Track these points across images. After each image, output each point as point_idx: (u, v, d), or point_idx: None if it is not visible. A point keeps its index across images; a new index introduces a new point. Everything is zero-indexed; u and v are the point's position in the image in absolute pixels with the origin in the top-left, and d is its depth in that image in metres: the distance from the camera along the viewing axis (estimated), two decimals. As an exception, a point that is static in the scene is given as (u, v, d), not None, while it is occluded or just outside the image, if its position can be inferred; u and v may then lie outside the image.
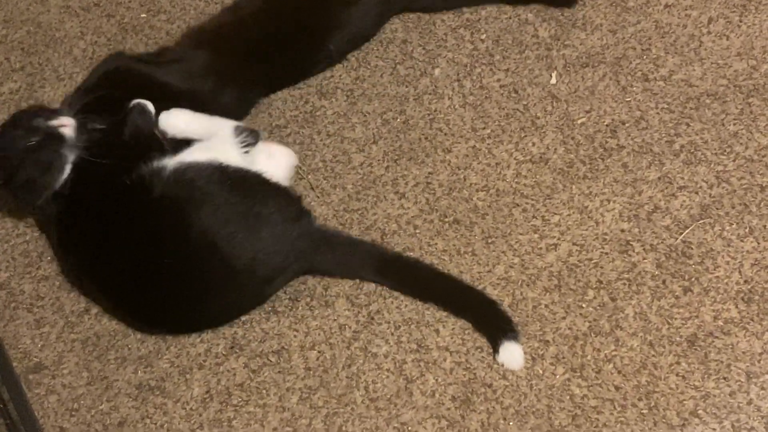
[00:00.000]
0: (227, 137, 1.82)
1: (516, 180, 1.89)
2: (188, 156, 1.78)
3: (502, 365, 1.71)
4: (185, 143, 1.87)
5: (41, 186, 1.76)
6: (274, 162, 1.86)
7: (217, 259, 1.71)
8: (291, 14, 2.01)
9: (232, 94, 1.99)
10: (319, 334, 1.80)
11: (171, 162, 1.76)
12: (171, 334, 1.84)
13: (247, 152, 1.81)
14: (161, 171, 1.74)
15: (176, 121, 1.84)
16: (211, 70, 1.96)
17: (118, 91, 1.86)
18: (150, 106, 1.83)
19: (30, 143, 1.74)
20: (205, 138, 1.84)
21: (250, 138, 1.83)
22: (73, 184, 1.78)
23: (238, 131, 1.83)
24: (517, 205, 1.87)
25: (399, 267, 1.83)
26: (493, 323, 1.73)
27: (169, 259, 1.71)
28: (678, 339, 1.69)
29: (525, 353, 1.71)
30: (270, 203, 1.76)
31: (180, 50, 2.01)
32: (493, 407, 1.68)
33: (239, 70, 1.98)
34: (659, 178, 1.84)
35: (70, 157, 1.76)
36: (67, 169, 1.77)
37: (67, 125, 1.77)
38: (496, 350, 1.71)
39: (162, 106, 1.86)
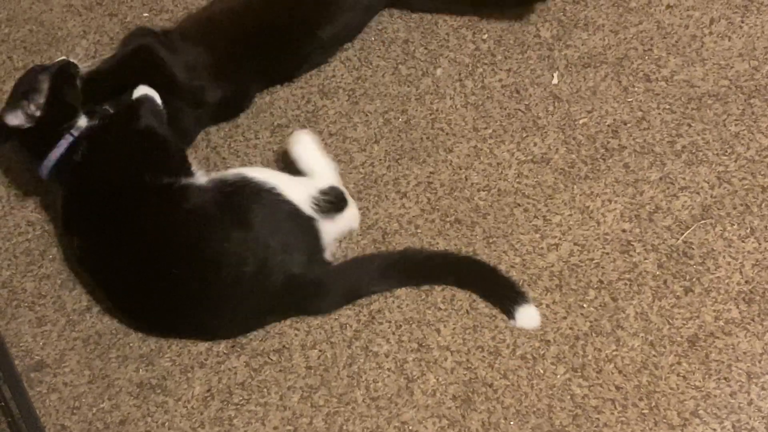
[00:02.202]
0: (310, 188, 1.79)
1: (517, 180, 1.90)
2: (252, 171, 1.78)
3: (521, 328, 1.73)
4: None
5: (66, 112, 1.82)
6: (337, 225, 1.82)
7: (216, 284, 1.71)
8: (282, 7, 2.01)
9: (228, 89, 2.00)
10: (320, 333, 1.80)
11: (228, 171, 1.78)
12: (152, 334, 1.85)
13: (319, 214, 1.77)
14: (201, 181, 1.76)
15: (298, 144, 1.85)
16: (208, 66, 1.96)
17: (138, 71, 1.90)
18: (157, 98, 1.85)
19: (48, 73, 1.84)
20: (306, 172, 1.83)
21: (333, 203, 1.79)
22: (85, 160, 1.79)
23: (326, 191, 1.79)
24: (519, 205, 1.87)
25: (395, 267, 1.82)
26: (500, 290, 1.76)
27: (174, 267, 1.72)
28: (679, 339, 1.69)
29: (526, 353, 1.71)
30: (292, 245, 1.74)
31: (182, 42, 2.00)
32: (494, 407, 1.68)
33: (233, 64, 1.99)
34: (661, 179, 1.84)
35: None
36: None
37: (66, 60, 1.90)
38: (511, 316, 1.74)
39: (166, 96, 1.88)
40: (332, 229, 1.80)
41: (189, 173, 1.81)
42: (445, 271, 1.82)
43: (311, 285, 1.77)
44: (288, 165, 1.90)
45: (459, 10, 2.11)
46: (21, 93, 1.82)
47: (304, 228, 1.76)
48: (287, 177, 1.82)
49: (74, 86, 1.86)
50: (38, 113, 1.80)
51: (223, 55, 1.97)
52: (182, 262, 1.72)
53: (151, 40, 1.99)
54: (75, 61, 1.91)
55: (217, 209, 1.73)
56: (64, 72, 1.86)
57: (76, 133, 1.82)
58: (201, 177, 1.81)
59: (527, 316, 1.74)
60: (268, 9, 2.01)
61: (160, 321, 1.82)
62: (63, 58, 1.91)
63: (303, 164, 1.85)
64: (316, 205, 1.76)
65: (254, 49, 2.00)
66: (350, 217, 1.85)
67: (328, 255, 1.81)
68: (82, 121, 1.84)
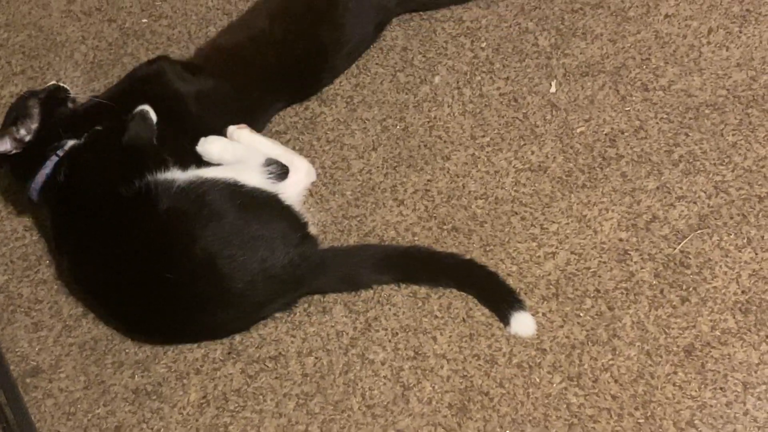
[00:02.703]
0: (256, 165, 1.83)
1: (515, 188, 1.90)
2: (208, 172, 1.79)
3: (517, 336, 1.73)
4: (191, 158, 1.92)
5: (56, 134, 1.85)
6: (293, 175, 1.86)
7: (215, 278, 1.71)
8: (301, 34, 2.01)
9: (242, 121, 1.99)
10: (316, 341, 1.80)
11: (185, 175, 1.77)
12: (158, 344, 1.85)
13: (273, 182, 1.82)
14: (171, 183, 1.74)
15: (212, 148, 1.86)
16: (227, 101, 1.96)
17: (146, 95, 1.89)
18: (152, 114, 1.84)
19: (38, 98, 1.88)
20: (236, 164, 1.85)
21: (279, 170, 1.84)
22: (67, 180, 1.80)
23: (268, 162, 1.84)
24: (516, 213, 1.87)
25: (396, 260, 1.83)
26: (498, 296, 1.77)
27: (167, 271, 1.71)
28: (675, 349, 1.69)
29: (522, 362, 1.71)
30: (274, 227, 1.76)
31: (200, 77, 1.99)
32: (490, 415, 1.68)
33: (252, 94, 1.99)
34: (658, 188, 1.84)
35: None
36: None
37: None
38: (506, 323, 1.74)
39: (176, 123, 1.88)
40: (294, 194, 1.84)
41: (166, 167, 1.80)
42: (446, 271, 1.82)
43: (311, 262, 1.77)
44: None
45: None
46: (11, 119, 1.85)
47: (277, 206, 1.79)
48: (237, 166, 1.83)
49: (64, 110, 1.89)
50: (28, 138, 1.83)
51: (241, 87, 1.96)
52: (174, 263, 1.72)
53: (166, 66, 1.99)
54: (65, 86, 1.94)
55: (192, 206, 1.73)
56: (53, 97, 1.89)
57: (61, 153, 1.83)
58: (176, 172, 1.80)
59: (522, 324, 1.74)
60: (289, 39, 2.00)
61: (166, 328, 1.81)
62: (53, 83, 1.94)
63: (229, 161, 1.86)
64: (269, 177, 1.81)
65: (273, 79, 2.00)
66: (299, 175, 1.88)
67: (313, 229, 1.83)
68: (71, 143, 1.84)
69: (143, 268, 1.73)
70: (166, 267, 1.71)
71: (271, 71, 2.00)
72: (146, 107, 1.85)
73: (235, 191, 1.76)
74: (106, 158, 1.83)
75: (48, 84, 1.94)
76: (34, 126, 1.84)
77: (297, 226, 1.80)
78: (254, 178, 1.80)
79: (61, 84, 1.94)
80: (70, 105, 1.91)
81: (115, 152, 1.82)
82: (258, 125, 2.03)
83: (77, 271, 1.82)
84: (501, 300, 1.76)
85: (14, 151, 1.83)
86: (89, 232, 1.77)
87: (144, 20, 2.27)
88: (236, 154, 1.87)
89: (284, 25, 2.01)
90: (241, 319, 1.80)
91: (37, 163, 1.82)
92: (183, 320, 1.78)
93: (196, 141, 1.89)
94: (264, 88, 2.00)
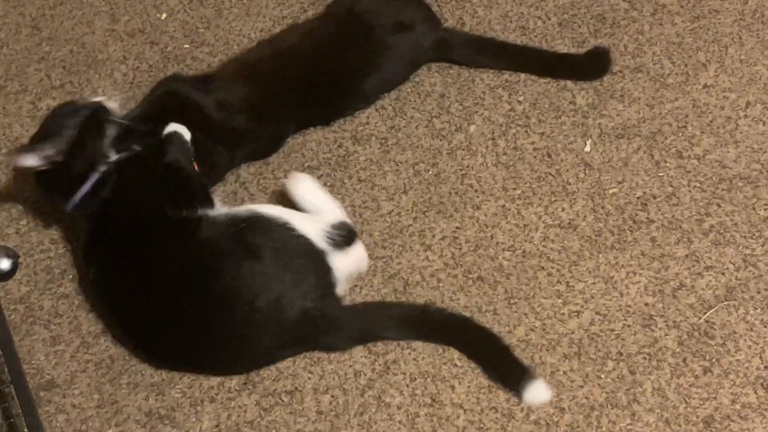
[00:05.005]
0: (324, 221, 1.80)
1: (543, 243, 1.90)
2: (260, 208, 1.80)
3: (530, 405, 1.72)
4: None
5: (91, 157, 1.83)
6: (348, 260, 1.81)
7: (230, 319, 1.71)
8: (329, 55, 2.05)
9: (265, 131, 2.03)
10: (333, 379, 1.79)
11: (234, 208, 1.80)
12: (162, 369, 1.84)
13: (331, 247, 1.77)
14: (215, 215, 1.77)
15: (297, 186, 1.87)
16: (247, 105, 1.99)
17: (168, 114, 1.91)
18: (185, 135, 1.87)
19: (78, 118, 1.84)
20: (311, 211, 1.84)
21: (344, 236, 1.79)
22: (113, 194, 1.81)
23: (337, 226, 1.79)
24: (543, 268, 1.87)
25: (411, 322, 1.82)
26: (507, 370, 1.75)
27: (185, 301, 1.71)
28: (694, 419, 1.68)
29: (540, 419, 1.70)
30: (303, 280, 1.74)
31: (220, 82, 2.04)
32: (503, 470, 1.67)
33: (274, 106, 2.02)
34: (687, 256, 1.84)
35: (113, 130, 1.86)
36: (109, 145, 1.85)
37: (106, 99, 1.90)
38: (519, 396, 1.72)
39: (199, 135, 1.90)
40: (343, 266, 1.80)
41: (210, 206, 1.83)
42: (458, 336, 1.80)
43: (326, 320, 1.76)
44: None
45: (509, 67, 2.15)
46: (43, 135, 1.83)
47: (317, 261, 1.77)
48: (299, 213, 1.83)
49: (101, 135, 1.85)
50: (58, 157, 1.80)
51: (263, 97, 2.00)
52: (194, 294, 1.72)
53: (179, 85, 2.03)
54: (109, 105, 1.89)
55: (229, 243, 1.74)
56: (94, 119, 1.85)
57: (102, 169, 1.83)
58: (220, 209, 1.83)
59: (537, 394, 1.71)
60: (316, 57, 2.04)
61: (170, 353, 1.81)
62: (98, 100, 1.89)
63: (307, 204, 1.86)
64: (330, 239, 1.77)
65: (297, 95, 2.03)
66: (359, 254, 1.85)
67: (339, 290, 1.81)
68: (113, 159, 1.85)
69: (164, 292, 1.73)
70: (185, 296, 1.72)
71: (294, 87, 2.02)
72: (176, 128, 1.87)
73: (279, 235, 1.75)
74: (151, 178, 1.84)
75: (93, 100, 1.90)
76: (65, 146, 1.80)
77: (324, 283, 1.77)
78: (312, 229, 1.77)
79: (106, 103, 1.89)
80: (108, 127, 1.87)
81: (159, 173, 1.84)
82: (279, 142, 2.08)
83: (102, 282, 1.82)
84: (509, 374, 1.74)
85: (41, 168, 1.80)
86: (122, 246, 1.78)
87: (186, 46, 2.29)
88: (316, 202, 1.86)
89: (314, 43, 2.05)
90: (249, 362, 1.80)
91: (75, 181, 1.81)
92: (193, 352, 1.78)
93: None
94: (285, 103, 2.03)
